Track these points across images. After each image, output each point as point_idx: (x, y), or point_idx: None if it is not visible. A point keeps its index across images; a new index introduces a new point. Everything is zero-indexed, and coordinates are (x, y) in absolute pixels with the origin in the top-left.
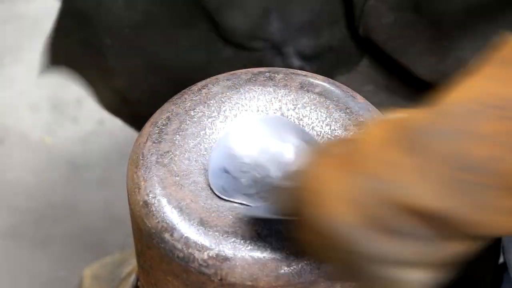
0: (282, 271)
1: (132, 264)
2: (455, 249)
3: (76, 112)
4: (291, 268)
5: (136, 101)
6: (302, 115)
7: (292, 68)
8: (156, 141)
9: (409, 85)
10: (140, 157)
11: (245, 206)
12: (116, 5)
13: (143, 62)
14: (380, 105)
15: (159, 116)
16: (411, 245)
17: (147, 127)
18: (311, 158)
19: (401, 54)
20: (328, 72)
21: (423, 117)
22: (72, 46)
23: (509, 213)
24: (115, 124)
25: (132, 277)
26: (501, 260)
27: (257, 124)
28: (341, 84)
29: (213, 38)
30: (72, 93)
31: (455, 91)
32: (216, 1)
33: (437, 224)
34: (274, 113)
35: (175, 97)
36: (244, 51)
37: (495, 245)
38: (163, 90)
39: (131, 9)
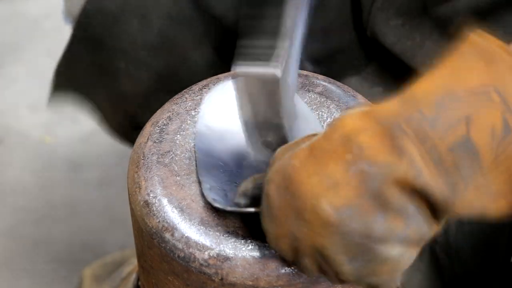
0: (283, 270)
1: (132, 264)
2: (436, 228)
3: (76, 112)
4: (292, 267)
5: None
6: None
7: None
8: (157, 141)
9: None
10: (141, 157)
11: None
12: (131, 27)
13: (156, 84)
14: None
15: (160, 116)
16: (403, 222)
17: (148, 127)
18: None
19: (409, 56)
20: (338, 74)
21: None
22: (83, 72)
23: (491, 192)
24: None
25: (133, 277)
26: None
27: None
28: (342, 84)
29: (228, 54)
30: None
31: (419, 83)
32: (233, 17)
33: (428, 201)
34: None
35: (176, 96)
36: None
37: (506, 244)
38: None
39: (147, 30)
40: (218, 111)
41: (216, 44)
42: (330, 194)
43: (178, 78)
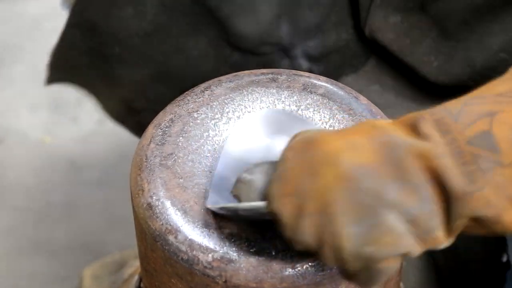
0: (287, 272)
1: (133, 265)
2: (442, 226)
3: (76, 112)
4: (296, 269)
5: (142, 109)
6: (306, 116)
7: (300, 70)
8: (159, 143)
9: (415, 85)
10: (144, 159)
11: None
12: (126, 14)
13: (150, 71)
14: (386, 105)
15: (162, 118)
16: (416, 200)
17: (150, 129)
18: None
19: (407, 54)
20: (335, 73)
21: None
22: (78, 56)
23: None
24: (115, 124)
25: (135, 279)
26: (504, 259)
27: (259, 122)
28: (344, 85)
29: (221, 45)
30: (72, 93)
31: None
32: (228, 9)
33: (444, 193)
34: None
35: (178, 99)
36: (252, 56)
37: (498, 244)
38: (170, 98)
39: (141, 17)
40: (244, 141)
41: (210, 34)
42: (351, 152)
43: (172, 66)
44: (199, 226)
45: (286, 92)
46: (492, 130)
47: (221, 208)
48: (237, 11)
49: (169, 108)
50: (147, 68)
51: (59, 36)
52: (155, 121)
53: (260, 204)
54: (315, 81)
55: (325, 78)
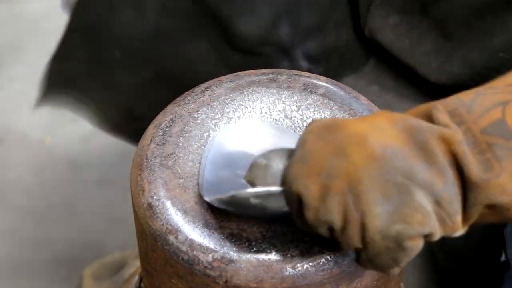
0: (287, 273)
1: (134, 265)
2: (461, 212)
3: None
4: (296, 270)
5: (142, 115)
6: (306, 117)
7: (300, 70)
8: (159, 143)
9: (415, 86)
10: (144, 159)
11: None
12: (126, 18)
13: (151, 74)
14: (385, 105)
15: (163, 118)
16: (442, 182)
17: (151, 129)
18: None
19: (407, 55)
20: (335, 73)
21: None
22: (78, 63)
23: None
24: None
25: (135, 279)
26: (502, 258)
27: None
28: (345, 86)
29: (222, 46)
30: None
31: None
32: (228, 10)
33: (462, 179)
34: (278, 114)
35: (179, 99)
36: (252, 57)
37: (496, 243)
38: (171, 102)
39: (142, 21)
40: (240, 137)
41: (210, 36)
42: (378, 135)
43: (172, 70)
44: (199, 226)
45: (286, 92)
46: (505, 118)
47: (223, 201)
48: (237, 12)
49: (169, 108)
50: (148, 71)
51: (60, 41)
52: (156, 121)
53: (277, 188)
54: (315, 81)
55: (325, 78)
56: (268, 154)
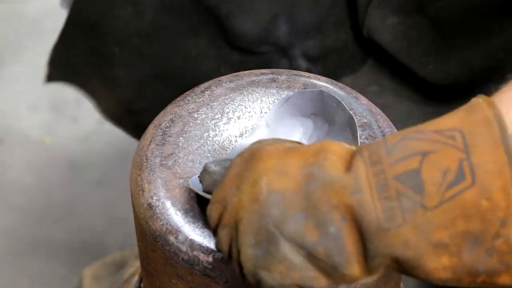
0: None
1: (134, 265)
2: (357, 263)
3: (76, 112)
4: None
5: (141, 110)
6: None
7: (299, 70)
8: (159, 144)
9: (413, 86)
10: (144, 160)
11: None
12: (125, 14)
13: (150, 71)
14: (384, 105)
15: (163, 119)
16: (317, 235)
17: (151, 129)
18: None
19: (405, 55)
20: (333, 73)
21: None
22: (77, 56)
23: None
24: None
25: (135, 279)
26: None
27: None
28: (344, 86)
29: (220, 44)
30: (72, 93)
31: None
32: (226, 8)
33: (359, 228)
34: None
35: (178, 99)
36: (251, 56)
37: None
38: (170, 98)
39: (141, 17)
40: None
41: (209, 34)
42: (273, 177)
43: (171, 66)
44: (199, 226)
45: (286, 92)
46: (421, 169)
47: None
48: (236, 11)
49: (169, 108)
50: (146, 68)
51: (58, 35)
52: (156, 121)
53: (209, 197)
54: (315, 81)
55: (325, 78)
56: (220, 162)
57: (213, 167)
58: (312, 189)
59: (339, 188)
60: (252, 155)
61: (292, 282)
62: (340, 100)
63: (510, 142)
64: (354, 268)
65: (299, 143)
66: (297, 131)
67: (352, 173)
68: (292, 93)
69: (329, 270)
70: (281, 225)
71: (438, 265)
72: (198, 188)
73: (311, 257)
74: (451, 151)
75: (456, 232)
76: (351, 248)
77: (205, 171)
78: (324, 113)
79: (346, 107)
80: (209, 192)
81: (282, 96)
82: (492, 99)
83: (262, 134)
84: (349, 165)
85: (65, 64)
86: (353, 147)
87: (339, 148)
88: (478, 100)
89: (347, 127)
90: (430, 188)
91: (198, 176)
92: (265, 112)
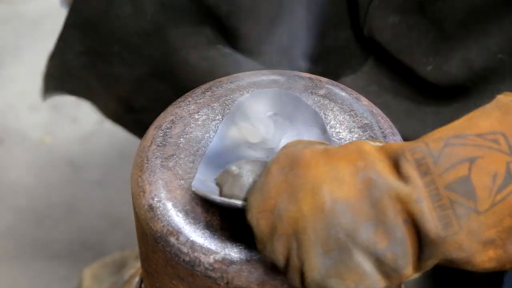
0: None
1: (134, 266)
2: (413, 274)
3: (76, 112)
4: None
5: (141, 108)
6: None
7: (299, 70)
8: (160, 145)
9: (413, 86)
10: (145, 161)
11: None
12: (125, 13)
13: (149, 70)
14: (384, 105)
15: (163, 120)
16: (387, 241)
17: (151, 130)
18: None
19: (406, 55)
20: (333, 73)
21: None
22: (77, 56)
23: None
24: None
25: (136, 280)
26: None
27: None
28: (346, 87)
29: (220, 44)
30: None
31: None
32: (227, 8)
33: (419, 235)
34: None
35: (179, 100)
36: (251, 56)
37: None
38: (169, 97)
39: (140, 16)
40: (243, 122)
41: (209, 34)
42: (333, 185)
43: (171, 66)
44: (200, 227)
45: None
46: (470, 176)
47: (198, 195)
48: (236, 10)
49: (170, 109)
50: (146, 67)
51: (58, 36)
52: (156, 122)
53: (239, 203)
54: (316, 82)
55: (326, 79)
56: (243, 164)
57: (238, 170)
58: (377, 196)
59: (403, 196)
60: (295, 162)
61: (368, 287)
62: (299, 96)
63: None
64: (410, 268)
65: (324, 143)
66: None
67: (411, 181)
68: (246, 96)
69: (390, 272)
70: (353, 234)
71: (485, 258)
72: (207, 191)
73: (379, 263)
74: (497, 155)
75: (504, 228)
76: (411, 252)
77: (228, 173)
78: (284, 112)
79: (307, 102)
80: (229, 196)
81: (236, 102)
82: None
83: (233, 133)
84: (398, 171)
85: (64, 66)
86: (379, 144)
87: (370, 147)
88: (507, 99)
89: (313, 123)
90: (481, 193)
91: (215, 179)
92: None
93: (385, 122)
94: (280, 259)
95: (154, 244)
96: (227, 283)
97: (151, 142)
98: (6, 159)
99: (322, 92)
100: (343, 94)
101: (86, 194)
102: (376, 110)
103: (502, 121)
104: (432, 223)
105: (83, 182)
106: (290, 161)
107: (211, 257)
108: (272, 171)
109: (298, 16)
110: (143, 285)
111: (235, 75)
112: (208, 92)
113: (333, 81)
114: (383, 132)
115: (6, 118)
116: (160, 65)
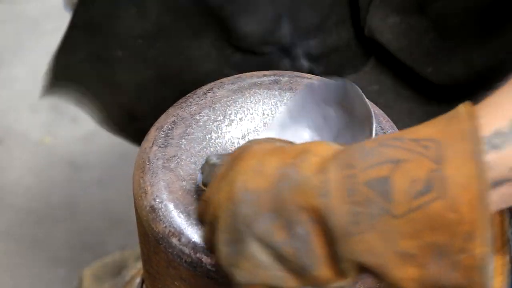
0: None
1: (135, 267)
2: (326, 266)
3: (76, 112)
4: None
5: (144, 114)
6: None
7: (301, 70)
8: (162, 146)
9: (414, 86)
10: (146, 162)
11: None
12: (128, 16)
13: (153, 73)
14: (385, 105)
15: (165, 121)
16: (285, 235)
17: (153, 131)
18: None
19: (406, 55)
20: (335, 73)
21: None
22: (80, 60)
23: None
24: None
25: (137, 281)
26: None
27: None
28: None
29: (223, 45)
30: None
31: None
32: (229, 9)
33: (326, 230)
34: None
35: (180, 101)
36: (253, 56)
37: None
38: (172, 102)
39: (144, 19)
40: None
41: (212, 35)
42: (250, 177)
43: (174, 69)
44: (202, 228)
45: (288, 94)
46: (391, 177)
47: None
48: (238, 11)
49: (171, 110)
50: (150, 70)
51: (61, 39)
52: (158, 123)
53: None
54: (317, 82)
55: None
56: (222, 155)
57: (214, 160)
58: (281, 189)
59: (307, 189)
60: (239, 155)
61: (260, 281)
62: (361, 93)
63: (481, 157)
64: (323, 270)
65: (291, 142)
66: (318, 121)
67: (322, 175)
68: (316, 82)
69: (299, 271)
70: (251, 224)
71: (404, 275)
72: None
73: (280, 257)
74: (423, 161)
75: (424, 243)
76: (319, 250)
77: (206, 162)
78: (346, 103)
79: (367, 101)
80: (205, 184)
81: (307, 84)
82: (475, 108)
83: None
84: (323, 163)
85: (67, 70)
86: (341, 148)
87: (325, 149)
88: (460, 110)
89: (367, 122)
90: (398, 196)
91: (200, 168)
92: (267, 114)
93: (387, 123)
94: (207, 246)
95: (156, 246)
96: (229, 284)
97: (153, 143)
98: (6, 159)
99: None
100: None
101: (86, 194)
102: (378, 110)
103: (443, 130)
104: (339, 217)
105: (83, 182)
106: (237, 154)
107: (213, 258)
108: (223, 163)
109: (300, 16)
110: (144, 286)
111: (236, 76)
112: (210, 93)
113: None
114: (384, 132)
115: (6, 118)
116: (163, 68)
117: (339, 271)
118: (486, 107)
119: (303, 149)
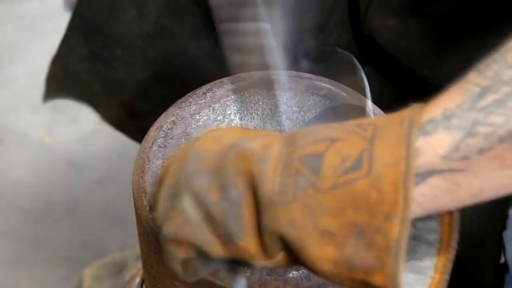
0: (291, 274)
1: (135, 267)
2: (251, 236)
3: (76, 112)
4: (300, 271)
5: (144, 113)
6: (308, 118)
7: (301, 70)
8: (161, 146)
9: (414, 87)
10: (146, 162)
11: None
12: (128, 16)
13: (153, 73)
14: (385, 106)
15: (164, 120)
16: (217, 194)
17: (152, 131)
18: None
19: (406, 56)
20: (334, 74)
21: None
22: (80, 60)
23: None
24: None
25: (136, 281)
26: (502, 260)
27: None
28: (346, 87)
29: (223, 45)
30: None
31: None
32: (230, 9)
33: (256, 198)
34: (279, 116)
35: (180, 101)
36: (253, 57)
37: (495, 245)
38: (172, 101)
39: (144, 20)
40: None
41: (213, 36)
42: (207, 142)
43: (174, 69)
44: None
45: (288, 93)
46: (325, 153)
47: None
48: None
49: (171, 110)
50: (150, 70)
51: (61, 39)
52: (157, 123)
53: None
54: (317, 83)
55: (327, 79)
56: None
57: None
58: (227, 153)
59: (248, 155)
60: (205, 134)
61: (185, 237)
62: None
63: (412, 140)
64: (248, 241)
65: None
66: None
67: (266, 148)
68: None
69: (225, 237)
70: (190, 179)
71: (322, 254)
72: None
73: (209, 217)
74: (358, 141)
75: (345, 222)
76: (247, 218)
77: (178, 146)
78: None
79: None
80: None
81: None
82: (426, 103)
83: None
84: (268, 139)
85: (67, 71)
86: None
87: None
88: (411, 104)
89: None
90: (327, 170)
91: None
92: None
93: None
94: (150, 202)
95: (155, 245)
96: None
97: (152, 143)
98: (6, 159)
99: (323, 92)
100: (344, 94)
101: (86, 194)
102: (377, 110)
103: (387, 117)
104: (268, 186)
105: (83, 182)
106: (209, 132)
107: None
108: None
109: (300, 16)
110: (144, 286)
111: (236, 75)
112: (209, 93)
113: (334, 81)
114: None
115: (6, 118)
116: (163, 68)
117: (263, 245)
118: (433, 101)
119: (267, 133)
